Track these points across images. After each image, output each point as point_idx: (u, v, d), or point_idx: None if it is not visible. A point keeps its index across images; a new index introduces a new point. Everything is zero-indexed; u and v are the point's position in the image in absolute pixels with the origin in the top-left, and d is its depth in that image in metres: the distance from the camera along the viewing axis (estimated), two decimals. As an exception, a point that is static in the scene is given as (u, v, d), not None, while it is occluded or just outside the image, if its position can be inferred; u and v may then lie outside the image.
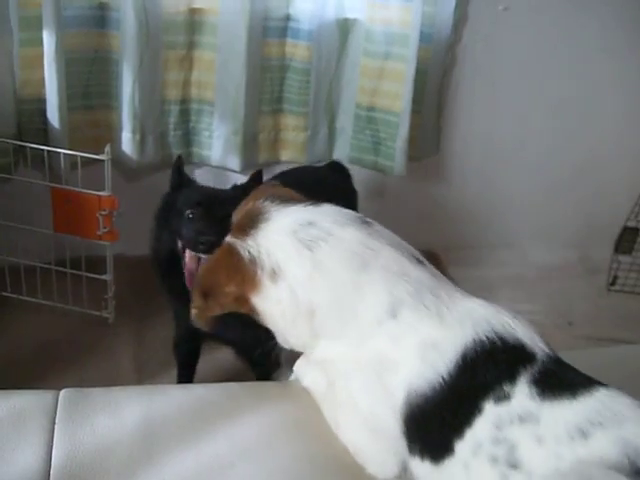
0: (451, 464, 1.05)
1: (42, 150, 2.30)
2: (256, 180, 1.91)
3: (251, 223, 1.17)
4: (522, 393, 1.02)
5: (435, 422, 1.08)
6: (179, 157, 1.97)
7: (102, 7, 2.40)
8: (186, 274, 1.77)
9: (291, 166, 2.61)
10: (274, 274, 1.13)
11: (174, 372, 2.12)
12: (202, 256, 1.73)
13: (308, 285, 1.13)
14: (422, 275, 1.14)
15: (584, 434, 0.96)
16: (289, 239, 1.13)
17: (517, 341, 1.07)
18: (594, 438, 0.96)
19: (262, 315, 1.18)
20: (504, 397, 1.02)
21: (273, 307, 1.16)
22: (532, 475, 0.98)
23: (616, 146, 3.10)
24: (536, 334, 1.10)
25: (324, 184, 2.24)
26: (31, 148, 2.32)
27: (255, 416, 1.26)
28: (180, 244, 1.80)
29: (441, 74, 2.78)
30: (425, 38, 2.58)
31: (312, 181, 2.23)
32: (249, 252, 1.14)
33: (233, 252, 1.16)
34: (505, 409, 1.02)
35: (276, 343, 1.79)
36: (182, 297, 1.88)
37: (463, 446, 1.04)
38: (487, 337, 1.07)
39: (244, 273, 1.14)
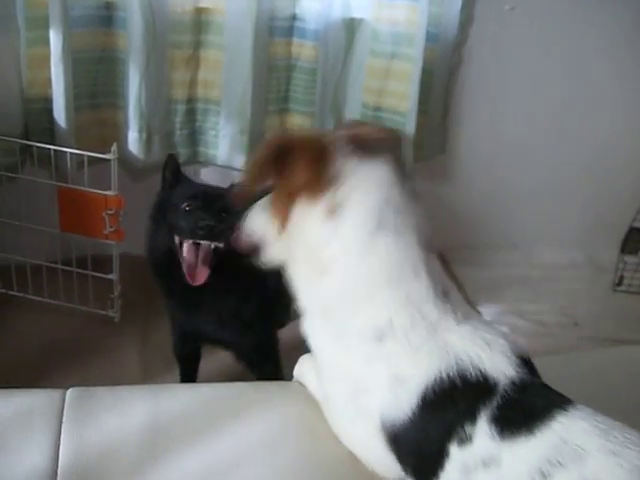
0: None
1: (49, 149, 2.30)
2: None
3: (366, 147, 1.10)
4: (483, 433, 0.98)
5: (412, 458, 1.06)
6: (171, 155, 1.97)
7: (109, 7, 2.40)
8: (185, 267, 1.74)
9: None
10: (334, 210, 1.07)
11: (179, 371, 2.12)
12: (202, 242, 1.73)
13: (347, 248, 1.08)
14: (431, 313, 1.08)
15: (545, 476, 0.92)
16: (373, 203, 1.07)
17: (479, 375, 1.02)
18: None
19: (289, 237, 1.12)
20: (466, 439, 0.99)
21: (305, 235, 1.10)
22: None
23: (622, 146, 3.09)
24: (507, 356, 1.05)
25: None
26: (38, 147, 2.32)
27: (262, 416, 1.26)
28: (177, 239, 1.78)
29: (447, 74, 2.77)
30: (431, 38, 2.58)
31: None
32: (338, 170, 1.07)
33: (330, 152, 1.08)
34: (469, 453, 0.98)
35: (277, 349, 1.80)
36: (178, 299, 1.89)
37: None
38: (448, 375, 1.03)
39: (321, 177, 1.06)
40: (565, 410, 0.98)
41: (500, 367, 1.03)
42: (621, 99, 3.01)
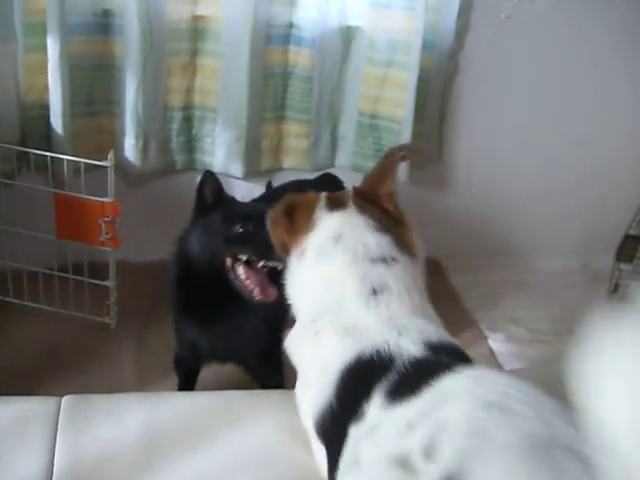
0: None
1: (45, 156, 2.30)
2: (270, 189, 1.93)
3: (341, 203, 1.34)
4: (375, 407, 1.04)
5: (330, 448, 1.12)
6: (208, 173, 1.83)
7: (106, 14, 2.41)
8: (254, 286, 1.72)
9: (293, 172, 2.62)
10: (303, 253, 1.31)
11: (176, 378, 2.11)
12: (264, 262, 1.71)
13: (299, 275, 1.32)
14: (352, 308, 1.22)
15: (412, 427, 0.97)
16: (319, 240, 1.30)
17: (378, 357, 1.11)
18: (417, 429, 0.96)
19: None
20: (361, 416, 1.05)
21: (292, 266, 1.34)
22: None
23: (618, 154, 3.10)
24: (413, 340, 1.13)
25: None
26: (34, 154, 2.32)
27: (256, 425, 1.27)
28: (230, 262, 1.74)
29: (443, 82, 2.78)
30: (428, 46, 2.58)
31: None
32: (317, 220, 1.31)
33: (315, 206, 1.33)
34: (361, 428, 1.04)
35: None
36: (198, 319, 1.87)
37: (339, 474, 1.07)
38: (354, 361, 1.13)
39: (306, 227, 1.32)
40: (457, 371, 1.03)
41: (402, 348, 1.11)
42: (617, 107, 3.02)
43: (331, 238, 1.29)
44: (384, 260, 1.27)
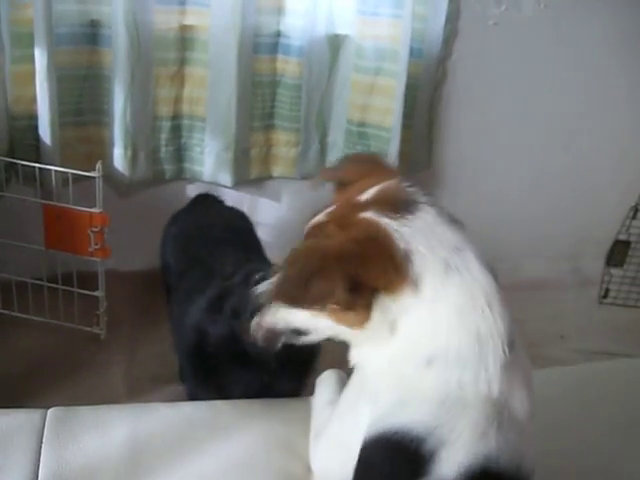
0: None
1: (33, 167, 2.30)
2: None
3: (403, 205, 0.96)
4: None
5: None
6: None
7: (94, 24, 2.41)
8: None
9: (282, 181, 2.63)
10: (416, 284, 0.90)
11: (166, 389, 2.11)
12: None
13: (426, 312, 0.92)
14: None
15: None
16: (440, 249, 0.93)
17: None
18: None
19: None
20: None
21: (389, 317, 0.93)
22: None
23: (608, 160, 3.11)
24: None
25: None
26: (23, 165, 2.32)
27: (242, 434, 1.27)
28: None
29: (432, 89, 2.78)
30: (415, 53, 2.59)
31: None
32: (403, 243, 0.92)
33: (388, 238, 0.92)
34: None
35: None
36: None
37: None
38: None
39: (395, 268, 0.90)
40: None
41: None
42: (605, 112, 3.03)
43: (449, 246, 0.94)
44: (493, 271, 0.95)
